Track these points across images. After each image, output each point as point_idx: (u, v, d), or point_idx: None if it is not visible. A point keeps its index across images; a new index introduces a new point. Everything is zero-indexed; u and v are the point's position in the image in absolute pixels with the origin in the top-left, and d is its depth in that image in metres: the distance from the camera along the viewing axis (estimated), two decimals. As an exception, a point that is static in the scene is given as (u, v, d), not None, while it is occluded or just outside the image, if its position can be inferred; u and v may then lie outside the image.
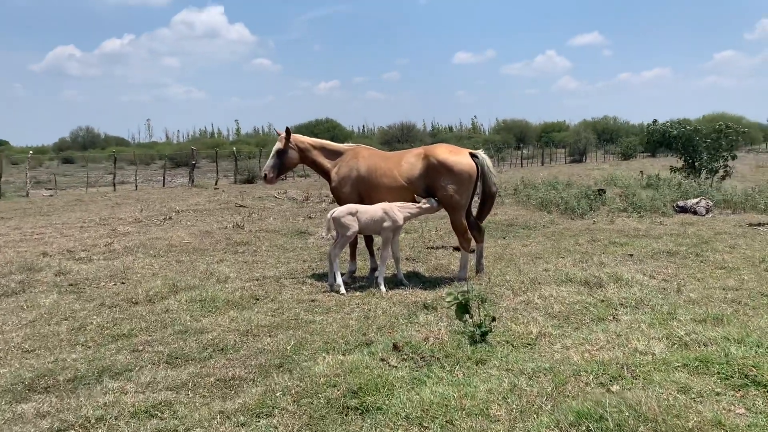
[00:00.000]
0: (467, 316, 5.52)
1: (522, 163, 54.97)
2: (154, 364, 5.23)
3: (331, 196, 8.66)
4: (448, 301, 5.54)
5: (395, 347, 5.15)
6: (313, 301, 7.00)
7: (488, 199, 7.97)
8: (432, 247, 10.39)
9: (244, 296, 7.16)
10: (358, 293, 7.38)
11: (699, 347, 5.06)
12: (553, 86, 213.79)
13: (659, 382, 4.43)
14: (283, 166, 8.39)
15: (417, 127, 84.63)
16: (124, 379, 4.92)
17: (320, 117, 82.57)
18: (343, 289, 7.33)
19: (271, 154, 8.36)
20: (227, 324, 6.20)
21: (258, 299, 7.14)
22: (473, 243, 7.93)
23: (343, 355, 5.20)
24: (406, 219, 7.64)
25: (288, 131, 8.28)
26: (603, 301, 6.58)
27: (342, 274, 7.72)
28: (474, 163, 7.58)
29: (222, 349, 5.53)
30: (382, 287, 7.40)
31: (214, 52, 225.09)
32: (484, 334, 5.31)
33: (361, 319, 6.21)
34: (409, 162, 7.75)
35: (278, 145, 8.29)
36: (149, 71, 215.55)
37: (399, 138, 72.70)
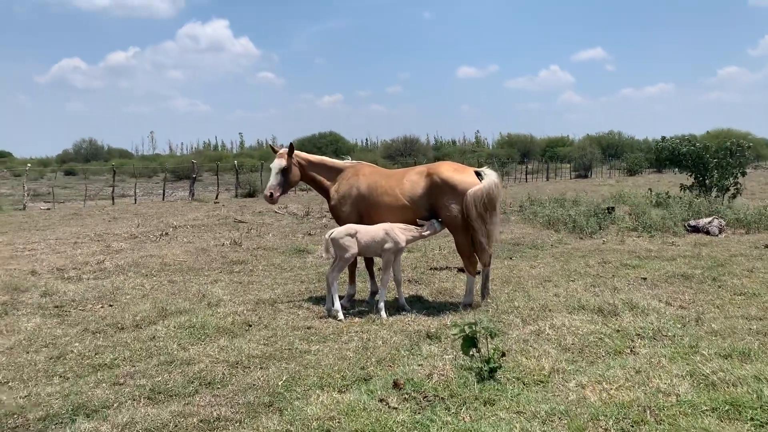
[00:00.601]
0: (474, 350, 5.10)
1: (527, 178, 54.60)
2: (134, 400, 4.81)
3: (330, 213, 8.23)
4: (454, 334, 5.12)
5: (396, 385, 4.73)
6: (309, 328, 6.58)
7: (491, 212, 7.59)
8: (435, 268, 9.98)
9: (236, 322, 6.75)
10: (357, 319, 6.96)
11: (728, 388, 4.62)
12: (556, 101, 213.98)
13: (687, 429, 4.01)
14: (287, 185, 7.92)
15: (420, 140, 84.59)
16: (99, 418, 4.50)
17: (323, 130, 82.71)
18: (341, 315, 6.92)
19: (274, 172, 7.83)
20: (216, 354, 5.79)
21: (251, 326, 6.73)
22: (479, 265, 7.52)
23: (339, 392, 4.77)
24: (408, 241, 7.24)
25: (291, 147, 7.84)
26: (618, 331, 6.15)
27: (340, 298, 7.32)
28: (478, 182, 7.19)
29: (209, 384, 5.11)
30: (383, 313, 6.99)
31: (219, 65, 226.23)
32: (492, 371, 4.89)
33: (360, 349, 5.78)
34: (411, 180, 7.36)
35: (281, 162, 7.77)
36: (154, 84, 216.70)
37: (402, 152, 72.53)
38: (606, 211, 15.10)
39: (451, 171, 7.20)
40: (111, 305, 7.90)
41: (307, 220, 17.94)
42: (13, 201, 30.22)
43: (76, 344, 6.20)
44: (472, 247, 7.31)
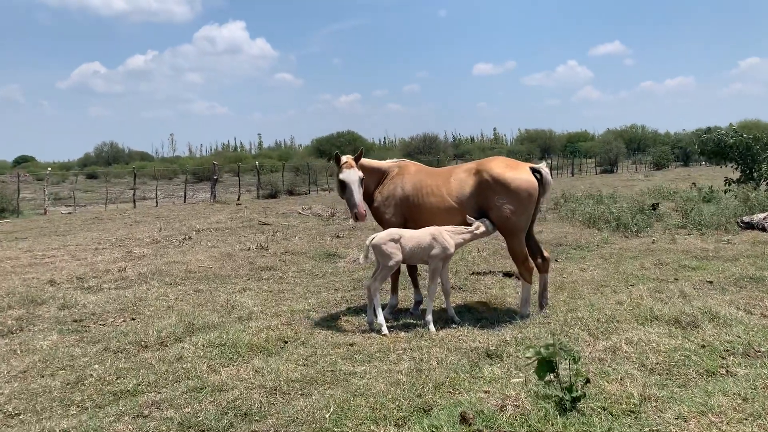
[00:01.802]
0: (551, 375, 4.39)
1: (551, 174, 53.49)
2: (161, 436, 4.19)
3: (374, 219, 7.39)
4: (528, 357, 4.41)
5: (464, 419, 4.04)
6: (351, 344, 5.92)
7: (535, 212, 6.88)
8: (478, 273, 9.26)
9: (271, 338, 6.10)
10: (403, 333, 6.28)
11: None
12: (574, 96, 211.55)
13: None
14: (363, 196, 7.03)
15: (439, 138, 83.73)
16: (122, 460, 3.87)
17: (341, 130, 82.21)
18: (385, 329, 6.24)
19: (355, 186, 6.77)
20: (251, 377, 5.14)
21: (287, 342, 6.08)
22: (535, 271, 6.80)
23: (397, 427, 4.10)
24: (457, 245, 6.55)
25: (361, 152, 6.99)
26: (704, 346, 5.40)
27: (382, 309, 6.65)
28: (535, 180, 6.47)
29: (245, 415, 4.46)
30: (431, 327, 6.30)
31: (237, 67, 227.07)
32: (575, 400, 4.18)
33: (413, 372, 5.10)
34: (458, 178, 6.66)
35: (357, 172, 6.83)
36: (173, 87, 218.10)
37: (421, 149, 71.71)
38: (650, 208, 14.25)
39: (503, 167, 6.48)
40: (134, 318, 7.31)
41: (333, 222, 17.31)
42: (35, 205, 30.04)
43: (96, 366, 5.59)
44: (527, 252, 6.60)
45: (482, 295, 7.82)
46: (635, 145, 76.89)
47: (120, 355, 5.91)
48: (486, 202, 6.51)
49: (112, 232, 16.74)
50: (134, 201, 27.95)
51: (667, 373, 4.85)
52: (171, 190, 42.46)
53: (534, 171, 6.53)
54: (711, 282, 8.09)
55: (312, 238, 13.76)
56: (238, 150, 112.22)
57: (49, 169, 27.12)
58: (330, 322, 6.80)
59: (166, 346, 6.12)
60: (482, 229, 6.49)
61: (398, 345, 5.85)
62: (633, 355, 5.20)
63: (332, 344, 5.95)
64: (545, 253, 6.92)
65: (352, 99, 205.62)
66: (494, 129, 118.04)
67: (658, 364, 5.01)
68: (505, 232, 6.55)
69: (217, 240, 13.94)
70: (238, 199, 28.98)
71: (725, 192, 16.62)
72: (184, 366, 5.46)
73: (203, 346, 5.93)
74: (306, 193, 35.00)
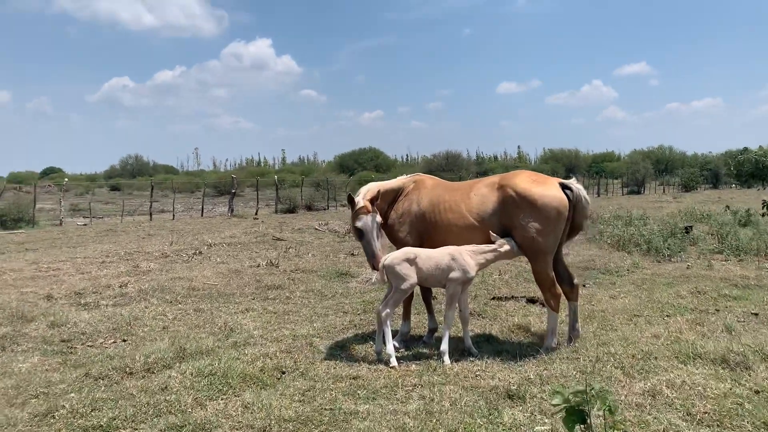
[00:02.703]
0: (582, 426, 3.73)
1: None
2: (126, 485, 3.61)
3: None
4: (555, 404, 3.75)
5: (479, 479, 3.39)
6: (355, 378, 5.29)
7: (573, 232, 6.21)
8: (499, 298, 8.59)
9: (267, 368, 5.51)
10: (413, 366, 5.65)
11: None
12: (599, 116, 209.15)
13: None
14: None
15: (462, 156, 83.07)
16: None
17: (364, 146, 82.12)
18: (394, 361, 5.61)
19: (372, 235, 6.13)
20: (239, 414, 4.55)
21: (284, 372, 5.48)
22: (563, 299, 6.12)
23: (400, 485, 3.47)
24: (479, 267, 5.91)
25: (377, 194, 6.28)
26: (758, 392, 4.69)
27: (393, 336, 6.03)
28: (564, 196, 5.83)
29: (226, 461, 3.87)
30: (446, 358, 5.66)
31: (262, 83, 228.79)
32: (612, 459, 3.51)
33: (422, 414, 4.46)
34: (480, 194, 6.04)
35: (375, 217, 6.17)
36: (199, 102, 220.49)
37: (444, 167, 71.10)
38: (683, 231, 13.45)
39: (529, 182, 5.85)
40: (125, 340, 6.79)
41: (349, 238, 16.73)
42: (54, 216, 29.96)
43: (72, 395, 5.05)
44: (555, 277, 5.93)
45: (503, 324, 7.15)
46: (662, 167, 75.42)
47: (101, 382, 5.36)
48: (510, 220, 5.88)
49: (123, 245, 16.36)
50: (150, 214, 27.69)
51: (718, 425, 4.16)
52: (191, 203, 42.36)
53: (564, 187, 5.89)
54: (756, 314, 7.35)
55: (325, 256, 13.20)
56: (262, 165, 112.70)
57: (66, 180, 27.07)
58: (334, 350, 6.19)
59: (153, 373, 5.56)
60: (506, 247, 5.85)
61: (407, 380, 5.22)
62: (676, 400, 4.50)
63: (334, 377, 5.34)
64: (574, 279, 6.24)
65: (375, 116, 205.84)
66: (518, 147, 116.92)
67: (706, 413, 4.31)
68: (530, 254, 5.90)
69: (227, 255, 13.44)
70: (256, 214, 28.60)
71: (762, 215, 15.71)
72: (167, 398, 4.88)
73: (191, 375, 5.35)
74: (324, 209, 34.55)
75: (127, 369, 5.62)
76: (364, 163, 75.60)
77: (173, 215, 28.63)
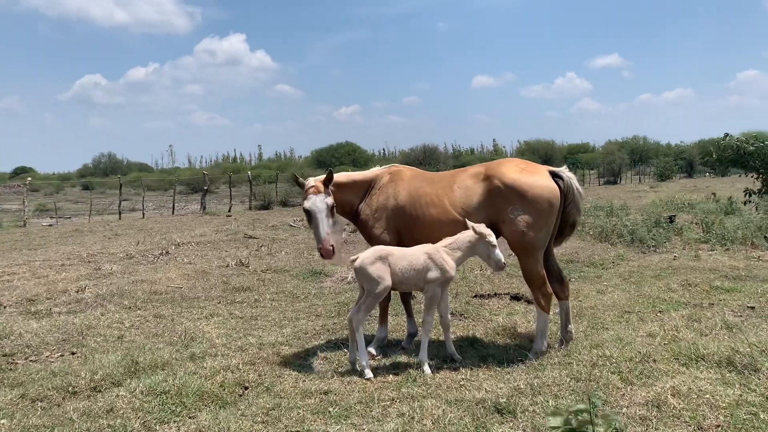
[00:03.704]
0: (586, 451, 3.23)
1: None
2: None
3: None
4: (553, 427, 3.25)
5: None
6: (326, 393, 4.74)
7: (567, 228, 5.71)
8: (481, 296, 8.10)
9: (227, 383, 4.94)
10: (391, 376, 5.12)
11: None
12: (572, 108, 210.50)
13: None
14: (335, 226, 5.78)
15: (439, 149, 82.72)
16: None
17: (341, 141, 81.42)
18: (369, 372, 5.08)
19: (322, 215, 5.54)
20: (192, 441, 3.98)
21: (247, 388, 4.91)
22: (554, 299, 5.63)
23: None
24: (458, 263, 5.39)
25: (331, 174, 5.74)
26: (770, 398, 4.25)
27: (367, 344, 5.50)
28: (556, 186, 5.33)
29: (172, 501, 3.31)
30: (426, 368, 5.15)
31: (237, 79, 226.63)
32: (621, 490, 3.02)
33: (401, 435, 3.94)
34: (464, 185, 5.50)
35: (326, 199, 5.58)
36: (173, 99, 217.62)
37: (421, 161, 70.66)
38: (667, 221, 13.11)
39: (518, 172, 5.33)
40: (73, 353, 6.15)
41: (325, 235, 16.13)
42: (20, 217, 28.87)
43: (2, 422, 4.43)
44: (545, 275, 5.43)
45: (487, 325, 6.65)
46: (637, 156, 75.85)
47: (38, 405, 4.74)
48: (498, 214, 5.35)
49: (87, 246, 15.59)
50: (119, 213, 26.77)
51: (734, 440, 3.69)
52: (164, 201, 41.32)
53: (554, 176, 5.38)
54: (753, 308, 6.95)
55: (299, 253, 12.62)
56: (238, 161, 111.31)
57: (29, 179, 25.95)
58: (304, 359, 5.64)
59: (99, 392, 4.95)
60: (482, 230, 5.17)
61: (384, 394, 4.68)
62: (684, 412, 4.03)
63: (302, 392, 4.78)
64: (565, 277, 5.75)
65: (352, 110, 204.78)
66: (494, 140, 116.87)
67: (719, 426, 3.85)
68: (519, 250, 5.38)
69: (195, 255, 12.79)
70: (229, 211, 27.84)
71: (745, 204, 15.49)
72: (111, 423, 4.29)
73: (142, 393, 4.76)
74: (300, 205, 33.83)
75: (71, 388, 5.01)
76: (341, 158, 74.79)
77: (143, 214, 27.74)
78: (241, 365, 5.38)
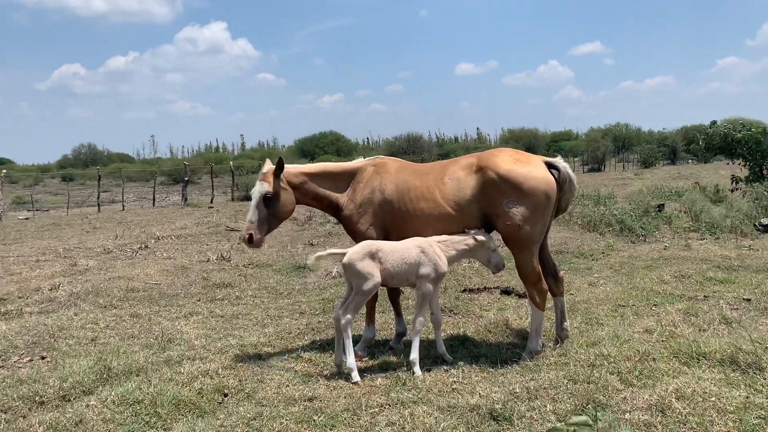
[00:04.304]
0: (592, 467, 3.00)
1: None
2: None
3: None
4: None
5: None
6: (310, 400, 4.47)
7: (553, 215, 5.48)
8: (471, 290, 7.86)
9: (206, 390, 4.65)
10: (380, 379, 4.86)
11: None
12: (555, 96, 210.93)
13: None
14: (274, 218, 5.57)
15: (424, 138, 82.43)
16: None
17: (324, 130, 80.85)
18: (356, 375, 4.81)
19: (254, 203, 5.46)
20: (167, 456, 3.70)
21: (226, 395, 4.63)
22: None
23: None
24: (451, 261, 5.15)
25: (280, 163, 5.55)
26: (779, 399, 4.05)
27: (354, 344, 5.23)
28: (552, 177, 5.08)
29: None
30: (417, 369, 4.90)
31: (218, 67, 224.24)
32: None
33: (391, 446, 3.69)
34: (455, 177, 5.22)
35: (263, 186, 5.43)
36: (154, 88, 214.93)
37: (406, 149, 70.34)
38: (656, 209, 12.97)
39: (512, 162, 5.06)
40: (43, 357, 5.83)
41: (310, 226, 15.84)
42: (2, 210, 28.18)
43: (-39, 437, 4.12)
44: (541, 271, 5.19)
45: (478, 322, 6.41)
46: (620, 144, 76.09)
47: (2, 417, 4.43)
48: (492, 207, 5.08)
49: (64, 240, 15.16)
50: (98, 205, 26.20)
51: (744, 447, 3.48)
52: (145, 192, 40.66)
53: (549, 166, 5.13)
54: (749, 300, 6.79)
55: (282, 246, 12.31)
56: (221, 151, 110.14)
57: (4, 171, 25.25)
58: (287, 362, 5.35)
59: (69, 401, 4.64)
60: (481, 238, 5.08)
61: (373, 399, 4.42)
62: (691, 417, 3.81)
63: (286, 399, 4.50)
64: (559, 273, 5.52)
65: (335, 99, 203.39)
66: (477, 128, 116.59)
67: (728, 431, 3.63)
68: (514, 244, 5.12)
69: (175, 249, 12.43)
70: (211, 202, 27.38)
71: (732, 191, 15.40)
72: (80, 436, 3.99)
73: (114, 403, 4.46)
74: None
75: (38, 397, 4.69)
76: (324, 147, 74.23)
77: (123, 206, 27.20)
78: (220, 370, 5.09)
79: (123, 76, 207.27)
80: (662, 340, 5.38)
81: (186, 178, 28.81)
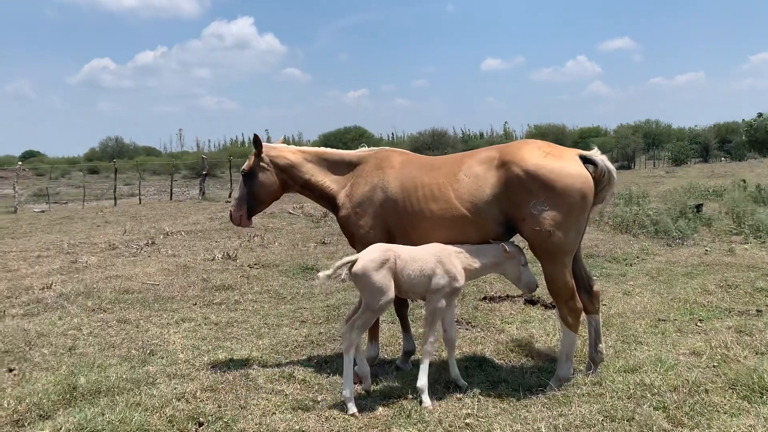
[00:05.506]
0: None
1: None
2: None
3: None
4: None
5: None
6: (297, 433, 3.80)
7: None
8: (491, 298, 7.12)
9: (177, 418, 4.00)
10: (381, 409, 4.16)
11: None
12: (583, 92, 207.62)
13: None
14: (252, 198, 5.15)
15: (449, 133, 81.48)
16: None
17: (349, 125, 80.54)
18: (353, 407, 4.09)
19: (240, 186, 5.34)
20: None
21: (201, 424, 3.97)
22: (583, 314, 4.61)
23: None
24: (472, 276, 4.42)
25: (257, 140, 5.06)
26: None
27: (353, 366, 4.54)
28: (589, 174, 4.32)
29: None
30: (425, 398, 4.18)
31: (245, 62, 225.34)
32: None
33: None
34: (472, 174, 4.46)
35: (244, 165, 5.24)
36: (181, 82, 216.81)
37: (430, 145, 69.49)
38: (694, 210, 12.06)
39: (541, 156, 4.29)
40: (11, 369, 5.23)
41: (325, 223, 15.18)
42: (18, 202, 28.10)
43: None
44: (575, 286, 4.41)
45: (498, 337, 5.67)
46: (650, 141, 74.29)
47: (-59, 446, 3.83)
48: (516, 209, 4.30)
49: (72, 234, 14.71)
50: (115, 198, 25.92)
51: None
52: (165, 186, 40.39)
53: (585, 160, 4.37)
54: (810, 316, 5.95)
55: (293, 245, 11.67)
56: (246, 145, 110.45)
57: (20, 163, 25.08)
58: (278, 383, 4.67)
59: (21, 427, 4.03)
60: (510, 254, 4.34)
61: (370, 435, 3.74)
62: (761, 476, 3.05)
63: (269, 431, 3.83)
64: (594, 286, 4.73)
65: (360, 94, 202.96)
66: (504, 124, 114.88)
67: (812, 500, 2.87)
68: (543, 254, 4.34)
69: (182, 246, 11.86)
70: (229, 196, 26.91)
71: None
72: (21, 476, 3.37)
73: (73, 431, 3.83)
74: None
75: (-11, 421, 4.09)
76: (348, 143, 73.70)
77: (140, 199, 26.88)
78: (198, 392, 4.43)
79: (151, 71, 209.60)
80: (713, 365, 4.62)
81: (204, 172, 28.38)
